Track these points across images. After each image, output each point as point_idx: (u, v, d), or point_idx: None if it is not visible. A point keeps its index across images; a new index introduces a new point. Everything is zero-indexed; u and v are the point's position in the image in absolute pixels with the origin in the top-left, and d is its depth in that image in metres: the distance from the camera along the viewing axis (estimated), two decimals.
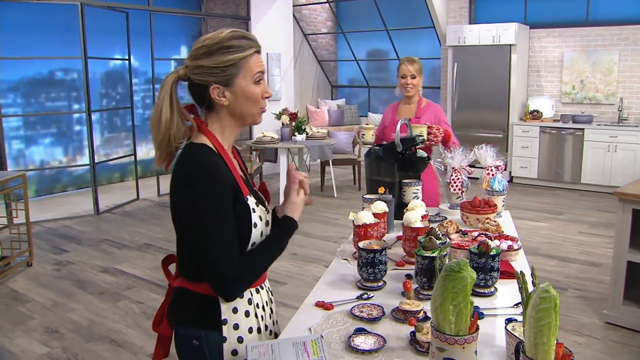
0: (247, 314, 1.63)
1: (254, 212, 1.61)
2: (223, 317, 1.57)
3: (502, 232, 2.59)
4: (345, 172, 9.77)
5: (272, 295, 1.83)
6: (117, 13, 7.47)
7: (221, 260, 1.48)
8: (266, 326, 1.70)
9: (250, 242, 1.59)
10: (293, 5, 10.39)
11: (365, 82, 12.07)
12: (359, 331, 1.66)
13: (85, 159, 7.79)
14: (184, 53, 9.88)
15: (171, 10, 8.63)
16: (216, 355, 1.57)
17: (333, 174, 8.43)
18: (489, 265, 1.90)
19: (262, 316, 1.68)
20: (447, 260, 1.95)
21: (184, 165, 1.52)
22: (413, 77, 3.68)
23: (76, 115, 8.40)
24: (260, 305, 1.68)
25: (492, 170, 2.98)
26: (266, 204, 1.74)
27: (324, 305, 1.88)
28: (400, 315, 1.75)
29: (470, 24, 9.45)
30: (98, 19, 7.25)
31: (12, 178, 5.08)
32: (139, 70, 8.96)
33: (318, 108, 11.54)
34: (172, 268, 1.77)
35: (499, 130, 8.88)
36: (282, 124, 8.14)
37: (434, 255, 1.88)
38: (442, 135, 3.47)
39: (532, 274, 1.36)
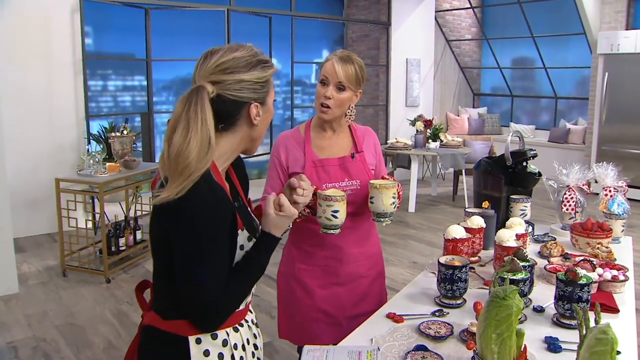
0: (220, 356, 1.44)
1: (242, 249, 1.46)
2: None
3: (614, 260, 2.38)
4: None
5: (257, 327, 1.63)
6: (261, 18, 7.87)
7: (208, 286, 1.33)
8: None
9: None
10: (436, 11, 10.23)
11: (509, 91, 11.57)
12: (419, 348, 1.62)
13: None
14: (325, 56, 10.14)
15: (312, 15, 8.88)
16: None
17: (466, 183, 8.18)
18: (575, 295, 1.76)
19: (241, 357, 1.49)
20: (527, 285, 1.85)
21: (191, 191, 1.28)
22: (341, 89, 2.07)
23: None
24: (239, 346, 1.49)
25: (610, 191, 2.74)
26: (257, 232, 1.55)
27: (394, 318, 1.85)
28: (467, 337, 1.68)
29: (627, 29, 8.70)
30: (243, 24, 7.68)
31: (157, 168, 5.55)
32: (281, 72, 9.33)
33: (458, 116, 11.28)
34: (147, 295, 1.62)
35: None
36: (417, 130, 8.06)
37: (513, 277, 1.78)
38: None
39: (595, 311, 1.25)
